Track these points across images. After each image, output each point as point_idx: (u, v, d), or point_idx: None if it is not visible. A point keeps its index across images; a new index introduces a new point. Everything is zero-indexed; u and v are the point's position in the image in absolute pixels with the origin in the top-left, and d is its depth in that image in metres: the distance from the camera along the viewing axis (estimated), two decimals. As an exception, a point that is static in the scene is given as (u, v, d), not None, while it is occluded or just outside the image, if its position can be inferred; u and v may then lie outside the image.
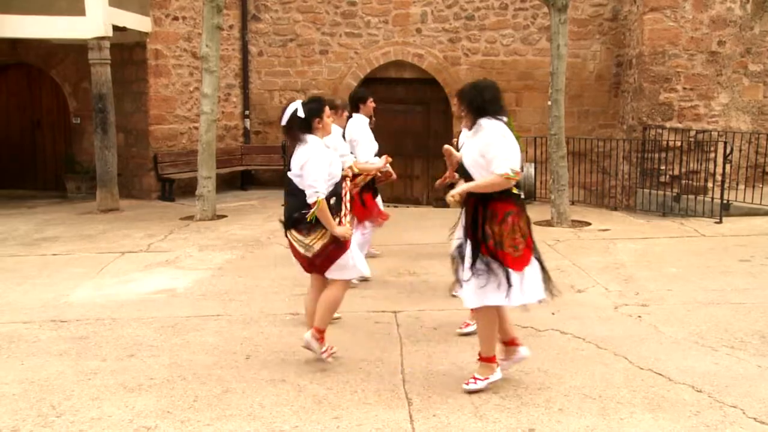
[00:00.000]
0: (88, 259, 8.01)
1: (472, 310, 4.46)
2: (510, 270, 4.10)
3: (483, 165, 4.16)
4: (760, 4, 11.37)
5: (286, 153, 6.82)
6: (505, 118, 4.27)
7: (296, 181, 4.52)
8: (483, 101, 4.22)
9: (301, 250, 4.57)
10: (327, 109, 4.70)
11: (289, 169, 4.59)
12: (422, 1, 13.68)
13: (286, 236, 4.67)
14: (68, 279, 7.16)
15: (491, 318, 4.26)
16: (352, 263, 4.68)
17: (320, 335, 4.67)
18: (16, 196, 13.08)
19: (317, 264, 4.60)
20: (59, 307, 6.19)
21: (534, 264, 4.23)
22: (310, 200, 4.43)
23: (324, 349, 4.71)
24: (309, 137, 4.57)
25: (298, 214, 4.52)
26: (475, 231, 4.18)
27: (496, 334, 4.33)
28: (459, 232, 4.54)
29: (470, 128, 4.32)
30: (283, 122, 4.60)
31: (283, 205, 4.79)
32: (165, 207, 11.95)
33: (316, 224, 4.49)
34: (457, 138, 6.20)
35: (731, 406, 4.03)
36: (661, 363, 4.70)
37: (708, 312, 5.85)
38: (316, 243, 4.52)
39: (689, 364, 4.69)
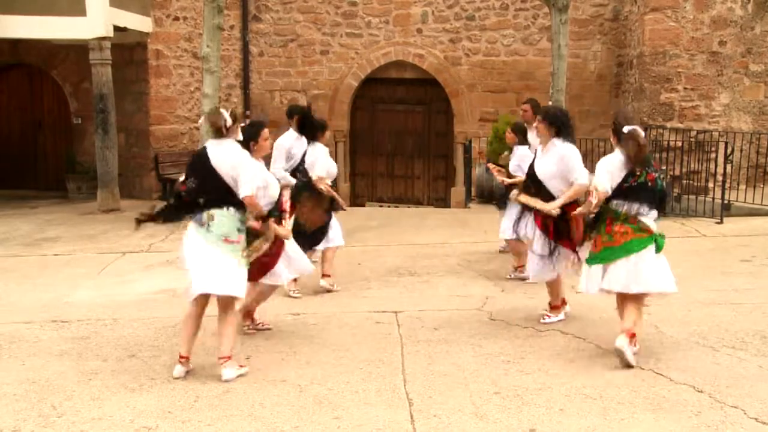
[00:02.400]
0: (89, 260, 8.02)
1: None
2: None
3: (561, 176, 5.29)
4: (761, 4, 11.36)
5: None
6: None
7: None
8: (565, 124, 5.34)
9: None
10: (264, 131, 4.94)
11: None
12: (423, 2, 13.68)
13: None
14: (69, 279, 7.17)
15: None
16: None
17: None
18: (18, 197, 13.07)
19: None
20: (60, 308, 6.19)
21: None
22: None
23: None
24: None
25: None
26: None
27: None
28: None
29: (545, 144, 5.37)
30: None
31: None
32: (166, 207, 11.92)
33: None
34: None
35: (732, 407, 4.03)
36: (662, 363, 4.70)
37: (709, 312, 5.84)
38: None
39: (690, 364, 4.69)
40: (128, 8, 11.68)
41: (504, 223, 7.04)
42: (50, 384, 4.48)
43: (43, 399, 4.25)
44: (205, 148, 4.71)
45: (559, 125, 5.37)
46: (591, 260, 4.90)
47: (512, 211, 6.47)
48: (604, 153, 12.02)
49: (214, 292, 4.52)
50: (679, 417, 3.92)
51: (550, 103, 10.04)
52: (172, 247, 8.65)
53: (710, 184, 10.49)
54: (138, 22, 12.04)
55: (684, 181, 10.77)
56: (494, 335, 5.27)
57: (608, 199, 4.76)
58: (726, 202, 9.94)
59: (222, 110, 4.68)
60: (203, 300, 4.61)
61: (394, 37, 13.84)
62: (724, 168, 9.97)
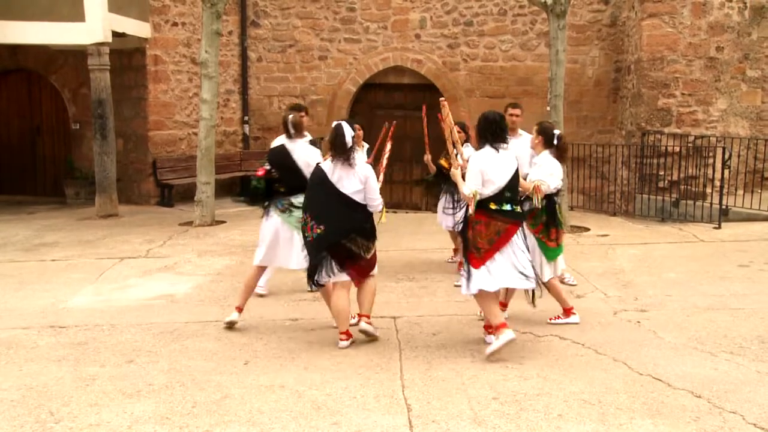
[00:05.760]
0: (87, 265, 8.01)
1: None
2: (471, 267, 4.97)
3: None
4: (758, 11, 11.40)
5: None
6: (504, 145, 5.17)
7: (357, 197, 5.16)
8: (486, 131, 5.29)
9: (362, 253, 5.15)
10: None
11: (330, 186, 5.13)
12: (421, 7, 13.71)
13: (344, 244, 5.08)
14: (67, 285, 7.16)
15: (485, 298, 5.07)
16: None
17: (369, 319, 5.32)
18: (16, 202, 13.07)
19: (363, 266, 5.20)
20: (58, 313, 6.18)
21: (499, 261, 4.96)
22: (379, 208, 5.27)
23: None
24: (357, 155, 5.25)
25: (369, 225, 5.21)
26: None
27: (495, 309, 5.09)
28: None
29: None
30: (347, 144, 5.14)
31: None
32: (164, 212, 11.95)
33: (374, 233, 5.26)
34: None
35: (730, 412, 4.03)
36: (661, 368, 4.70)
37: (707, 317, 5.85)
38: (373, 249, 5.25)
39: (688, 369, 4.69)
40: (127, 14, 11.70)
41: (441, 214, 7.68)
42: (48, 390, 4.47)
43: (41, 405, 4.24)
44: (283, 145, 5.75)
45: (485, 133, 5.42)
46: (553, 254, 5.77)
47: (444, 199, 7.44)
48: (602, 157, 12.13)
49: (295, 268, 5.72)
50: (678, 422, 3.92)
51: (548, 108, 10.07)
52: (170, 252, 8.66)
53: (708, 190, 10.52)
54: (137, 28, 12.06)
55: (682, 187, 10.79)
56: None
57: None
58: (724, 207, 9.96)
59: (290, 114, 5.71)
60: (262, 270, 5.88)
61: (393, 42, 13.86)
62: (722, 173, 9.99)
